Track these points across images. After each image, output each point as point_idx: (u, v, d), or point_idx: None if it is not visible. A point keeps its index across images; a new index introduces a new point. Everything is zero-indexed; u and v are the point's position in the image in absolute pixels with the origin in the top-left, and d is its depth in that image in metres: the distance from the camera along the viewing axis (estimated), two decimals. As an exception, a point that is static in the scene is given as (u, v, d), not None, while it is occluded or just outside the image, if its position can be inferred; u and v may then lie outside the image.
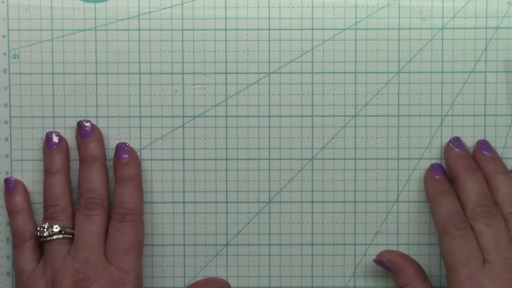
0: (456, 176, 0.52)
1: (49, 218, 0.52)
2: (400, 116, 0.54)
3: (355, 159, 0.54)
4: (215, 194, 0.54)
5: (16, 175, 0.54)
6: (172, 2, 0.54)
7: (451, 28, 0.54)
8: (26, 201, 0.54)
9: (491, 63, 0.54)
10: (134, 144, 0.54)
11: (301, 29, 0.54)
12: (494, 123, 0.54)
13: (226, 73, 0.54)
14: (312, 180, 0.54)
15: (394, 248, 0.55)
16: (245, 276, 0.55)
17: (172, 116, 0.54)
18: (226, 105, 0.54)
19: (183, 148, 0.54)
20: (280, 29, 0.54)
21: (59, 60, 0.54)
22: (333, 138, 0.54)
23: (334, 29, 0.54)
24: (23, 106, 0.54)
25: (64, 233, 0.52)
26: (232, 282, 0.55)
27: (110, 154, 0.54)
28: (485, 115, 0.54)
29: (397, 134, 0.54)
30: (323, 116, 0.54)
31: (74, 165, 0.54)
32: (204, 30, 0.54)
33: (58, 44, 0.54)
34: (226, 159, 0.54)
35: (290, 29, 0.54)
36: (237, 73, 0.54)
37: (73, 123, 0.54)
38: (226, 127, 0.54)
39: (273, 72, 0.54)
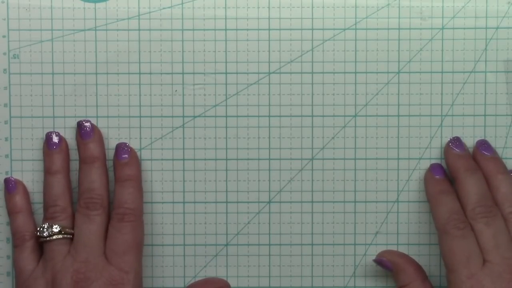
0: (456, 176, 0.52)
1: (49, 218, 0.52)
2: (400, 116, 0.54)
3: (355, 159, 0.54)
4: (215, 194, 0.54)
5: (16, 175, 0.54)
6: (172, 2, 0.54)
7: (451, 28, 0.54)
8: (26, 201, 0.54)
9: (491, 63, 0.54)
10: (134, 144, 0.54)
11: (301, 29, 0.54)
12: (494, 123, 0.54)
13: (226, 73, 0.54)
14: (312, 180, 0.54)
15: (394, 248, 0.55)
16: (245, 276, 0.55)
17: (172, 116, 0.54)
18: (226, 105, 0.54)
19: (183, 148, 0.54)
20: (280, 29, 0.54)
21: (59, 60, 0.54)
22: (333, 138, 0.54)
23: (334, 29, 0.54)
24: (23, 106, 0.54)
25: (64, 233, 0.52)
26: (232, 282, 0.55)
27: (110, 154, 0.54)
28: (485, 115, 0.54)
29: (397, 134, 0.54)
30: (323, 116, 0.54)
31: (74, 165, 0.54)
32: (204, 30, 0.54)
33: (58, 44, 0.54)
34: (226, 159, 0.54)
35: (290, 29, 0.54)
36: (237, 73, 0.54)
37: (73, 123, 0.54)
38: (226, 127, 0.54)
39: (273, 72, 0.54)
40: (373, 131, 0.54)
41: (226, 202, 0.55)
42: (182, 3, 0.54)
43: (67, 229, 0.52)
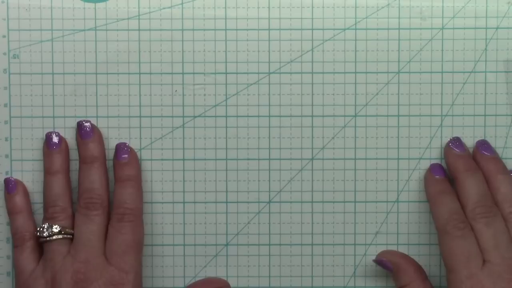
0: (456, 176, 0.52)
1: (49, 218, 0.52)
2: (400, 116, 0.54)
3: (355, 159, 0.54)
4: (215, 194, 0.54)
5: (16, 175, 0.54)
6: (172, 2, 0.54)
7: (451, 28, 0.54)
8: (26, 201, 0.54)
9: (491, 63, 0.54)
10: (134, 144, 0.54)
11: (301, 29, 0.54)
12: (494, 123, 0.54)
13: (226, 73, 0.54)
14: (312, 180, 0.54)
15: (394, 248, 0.55)
16: (245, 276, 0.55)
17: (172, 116, 0.54)
18: (226, 105, 0.54)
19: (183, 148, 0.54)
20: (280, 29, 0.54)
21: (59, 60, 0.54)
22: (333, 138, 0.54)
23: (334, 29, 0.54)
24: (23, 106, 0.54)
25: (64, 233, 0.52)
26: (232, 282, 0.55)
27: (110, 154, 0.54)
28: (485, 115, 0.54)
29: (397, 134, 0.54)
30: (323, 116, 0.54)
31: (74, 165, 0.54)
32: (204, 30, 0.54)
33: (58, 44, 0.54)
34: (226, 159, 0.54)
35: (290, 29, 0.54)
36: (237, 73, 0.54)
37: (73, 123, 0.54)
38: (226, 127, 0.54)
39: (273, 72, 0.54)
40: (373, 131, 0.54)
41: (226, 202, 0.55)
42: (182, 3, 0.54)
43: (67, 229, 0.52)
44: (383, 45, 0.54)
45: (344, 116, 0.54)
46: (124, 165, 0.53)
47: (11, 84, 0.54)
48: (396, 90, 0.54)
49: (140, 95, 0.54)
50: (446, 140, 0.54)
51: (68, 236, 0.52)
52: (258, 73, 0.54)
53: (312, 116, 0.54)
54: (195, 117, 0.54)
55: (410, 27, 0.54)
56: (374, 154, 0.54)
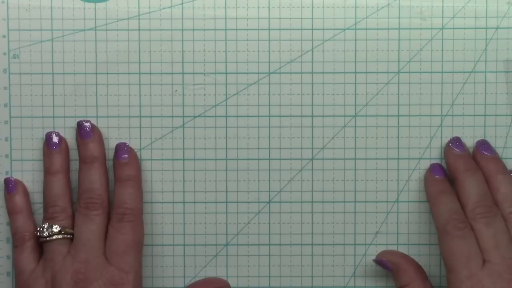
0: (456, 176, 0.52)
1: (49, 218, 0.52)
2: (400, 116, 0.54)
3: (355, 159, 0.54)
4: (215, 194, 0.54)
5: (16, 175, 0.54)
6: (172, 2, 0.54)
7: (451, 28, 0.54)
8: (26, 201, 0.54)
9: (491, 63, 0.54)
10: (134, 144, 0.54)
11: (301, 29, 0.54)
12: (494, 123, 0.54)
13: (226, 73, 0.54)
14: (312, 180, 0.54)
15: (394, 248, 0.55)
16: (245, 276, 0.55)
17: (172, 116, 0.54)
18: (226, 105, 0.54)
19: (183, 148, 0.54)
20: (280, 29, 0.54)
21: (59, 60, 0.54)
22: (333, 138, 0.54)
23: (334, 29, 0.54)
24: (23, 106, 0.54)
25: (64, 233, 0.52)
26: (232, 282, 0.55)
27: (110, 154, 0.54)
28: (485, 115, 0.54)
29: (397, 134, 0.54)
30: (323, 116, 0.54)
31: (74, 165, 0.54)
32: (204, 30, 0.54)
33: (58, 44, 0.54)
34: (226, 159, 0.54)
35: (290, 29, 0.54)
36: (237, 73, 0.54)
37: (73, 123, 0.54)
38: (226, 127, 0.54)
39: (273, 72, 0.54)
40: (373, 131, 0.54)
41: (226, 202, 0.55)
42: (182, 3, 0.54)
43: (67, 229, 0.52)
44: (383, 45, 0.54)
45: (344, 116, 0.54)
46: (124, 165, 0.53)
47: (11, 84, 0.54)
48: (396, 90, 0.54)
49: (140, 95, 0.54)
50: (446, 140, 0.54)
51: (68, 236, 0.52)
52: (258, 73, 0.54)
53: (312, 116, 0.54)
54: (195, 117, 0.54)
55: (410, 27, 0.54)
56: (374, 154, 0.54)
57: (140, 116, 0.54)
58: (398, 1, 0.54)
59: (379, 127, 0.54)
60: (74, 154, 0.54)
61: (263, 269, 0.55)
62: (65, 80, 0.54)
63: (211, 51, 0.54)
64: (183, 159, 0.54)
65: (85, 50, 0.54)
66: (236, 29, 0.54)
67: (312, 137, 0.54)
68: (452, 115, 0.54)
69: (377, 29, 0.54)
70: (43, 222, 0.52)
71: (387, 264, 0.53)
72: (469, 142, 0.54)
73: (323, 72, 0.54)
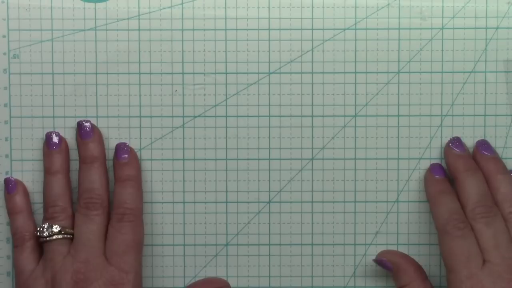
0: (456, 176, 0.52)
1: (49, 218, 0.52)
2: (400, 116, 0.54)
3: (355, 159, 0.54)
4: (215, 194, 0.54)
5: (16, 175, 0.54)
6: (172, 2, 0.54)
7: (451, 28, 0.54)
8: (26, 201, 0.54)
9: (491, 63, 0.54)
10: (134, 144, 0.54)
11: (301, 29, 0.54)
12: (494, 123, 0.54)
13: (226, 73, 0.54)
14: (312, 180, 0.54)
15: (394, 248, 0.55)
16: (245, 276, 0.55)
17: (172, 116, 0.54)
18: (226, 105, 0.54)
19: (183, 148, 0.54)
20: (280, 29, 0.54)
21: (59, 60, 0.54)
22: (333, 138, 0.54)
23: (334, 29, 0.54)
24: (23, 106, 0.54)
25: (64, 233, 0.52)
26: (232, 282, 0.55)
27: (110, 154, 0.54)
28: (485, 115, 0.54)
29: (397, 134, 0.54)
30: (323, 116, 0.54)
31: (74, 165, 0.54)
32: (204, 30, 0.54)
33: (58, 44, 0.54)
34: (226, 159, 0.54)
35: (290, 29, 0.54)
36: (237, 73, 0.54)
37: (73, 123, 0.54)
38: (226, 127, 0.54)
39: (273, 72, 0.54)
40: (373, 131, 0.54)
41: (226, 202, 0.55)
42: (182, 3, 0.54)
43: (67, 229, 0.52)
44: (383, 45, 0.54)
45: (344, 116, 0.54)
46: (124, 165, 0.53)
47: (11, 84, 0.54)
48: (396, 90, 0.54)
49: (140, 95, 0.54)
50: (446, 140, 0.54)
51: (68, 236, 0.52)
52: (258, 73, 0.54)
53: (312, 116, 0.54)
54: (195, 117, 0.54)
55: (410, 27, 0.54)
56: (374, 154, 0.54)
57: (140, 116, 0.54)
58: (398, 1, 0.54)
59: (379, 127, 0.54)
60: (74, 154, 0.54)
61: (263, 269, 0.55)
62: (65, 80, 0.54)
63: (211, 51, 0.54)
64: (183, 159, 0.54)
65: (85, 50, 0.54)
66: (236, 29, 0.54)
67: (312, 137, 0.54)
68: (452, 115, 0.54)
69: (377, 29, 0.54)
70: (43, 222, 0.52)
71: (387, 264, 0.53)
72: (469, 142, 0.54)
73: (323, 72, 0.54)
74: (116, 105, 0.54)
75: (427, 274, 0.53)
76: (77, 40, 0.54)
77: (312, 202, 0.54)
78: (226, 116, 0.54)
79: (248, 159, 0.54)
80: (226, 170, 0.54)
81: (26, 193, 0.54)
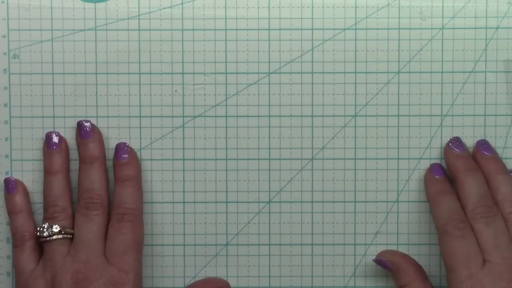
0: (456, 176, 0.52)
1: (49, 218, 0.52)
2: (400, 116, 0.54)
3: (355, 159, 0.54)
4: (215, 194, 0.54)
5: (16, 175, 0.54)
6: (172, 2, 0.54)
7: (451, 28, 0.54)
8: (26, 201, 0.54)
9: (491, 63, 0.54)
10: (134, 144, 0.54)
11: (301, 29, 0.54)
12: (494, 123, 0.54)
13: (226, 73, 0.54)
14: (312, 180, 0.54)
15: (394, 248, 0.55)
16: (245, 276, 0.55)
17: (172, 116, 0.54)
18: (226, 105, 0.54)
19: (183, 148, 0.54)
20: (280, 29, 0.54)
21: (59, 60, 0.54)
22: (333, 138, 0.54)
23: (334, 29, 0.54)
24: (23, 106, 0.54)
25: (64, 233, 0.52)
26: (232, 282, 0.55)
27: (110, 154, 0.54)
28: (485, 115, 0.54)
29: (397, 134, 0.54)
30: (323, 116, 0.54)
31: (74, 165, 0.54)
32: (204, 30, 0.54)
33: (58, 44, 0.54)
34: (226, 159, 0.54)
35: (290, 29, 0.54)
36: (237, 73, 0.54)
37: (73, 123, 0.54)
38: (226, 127, 0.54)
39: (273, 72, 0.54)
40: (373, 131, 0.54)
41: (226, 202, 0.55)
42: (182, 3, 0.54)
43: (67, 229, 0.52)
44: (383, 45, 0.54)
45: (344, 116, 0.54)
46: (124, 165, 0.53)
47: (11, 84, 0.54)
48: (396, 90, 0.54)
49: (140, 95, 0.54)
50: (446, 140, 0.54)
51: (68, 236, 0.52)
52: (258, 73, 0.54)
53: (312, 116, 0.54)
54: (195, 117, 0.54)
55: (410, 27, 0.54)
56: (374, 154, 0.54)
57: (140, 116, 0.54)
58: (398, 1, 0.54)
59: (379, 127, 0.54)
60: (74, 154, 0.54)
61: (263, 269, 0.55)
62: (65, 80, 0.54)
63: (211, 51, 0.54)
64: (183, 159, 0.54)
65: (85, 50, 0.54)
66: (236, 29, 0.54)
67: (312, 137, 0.54)
68: (452, 115, 0.54)
69: (377, 29, 0.54)
70: (43, 222, 0.52)
71: (387, 264, 0.53)
72: (469, 142, 0.54)
73: (323, 72, 0.54)
74: (116, 105, 0.54)
75: (427, 274, 0.53)
76: (77, 40, 0.54)
77: (312, 202, 0.54)
78: (226, 116, 0.54)
79: (248, 159, 0.54)
80: (226, 170, 0.54)
81: (26, 193, 0.54)
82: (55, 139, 0.54)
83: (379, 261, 0.54)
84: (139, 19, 0.54)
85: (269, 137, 0.54)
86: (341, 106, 0.54)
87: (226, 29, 0.54)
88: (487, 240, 0.50)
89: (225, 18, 0.54)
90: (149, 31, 0.54)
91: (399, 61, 0.54)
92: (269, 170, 0.54)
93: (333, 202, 0.54)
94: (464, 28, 0.54)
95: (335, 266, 0.55)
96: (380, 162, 0.54)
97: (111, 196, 0.53)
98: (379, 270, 0.55)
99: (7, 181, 0.54)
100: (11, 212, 0.53)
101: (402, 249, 0.55)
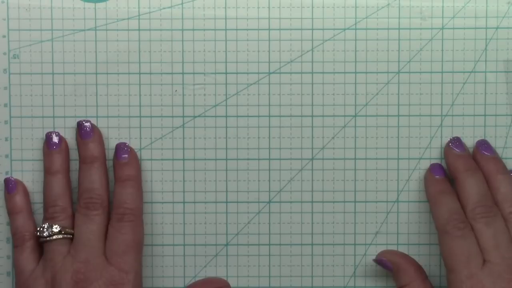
0: (456, 176, 0.52)
1: (49, 218, 0.52)
2: (400, 116, 0.54)
3: (355, 159, 0.54)
4: (215, 194, 0.54)
5: (16, 175, 0.54)
6: (172, 2, 0.54)
7: (451, 28, 0.54)
8: (26, 201, 0.54)
9: (491, 63, 0.54)
10: (134, 144, 0.54)
11: (301, 29, 0.54)
12: (494, 123, 0.54)
13: (226, 73, 0.54)
14: (312, 180, 0.54)
15: (394, 248, 0.55)
16: (245, 276, 0.55)
17: (172, 116, 0.54)
18: (226, 105, 0.54)
19: (183, 148, 0.54)
20: (280, 29, 0.54)
21: (59, 60, 0.54)
22: (333, 138, 0.54)
23: (334, 29, 0.54)
24: (23, 106, 0.54)
25: (64, 233, 0.52)
26: (232, 282, 0.55)
27: (110, 154, 0.54)
28: (485, 115, 0.54)
29: (397, 134, 0.54)
30: (323, 116, 0.54)
31: (74, 165, 0.54)
32: (204, 30, 0.54)
33: (58, 44, 0.54)
34: (226, 159, 0.54)
35: (290, 29, 0.54)
36: (237, 73, 0.54)
37: (73, 123, 0.54)
38: (226, 127, 0.54)
39: (273, 72, 0.54)
40: (373, 131, 0.54)
41: (226, 202, 0.55)
42: (182, 3, 0.54)
43: (67, 229, 0.52)
44: (383, 45, 0.54)
45: (344, 116, 0.54)
46: (124, 165, 0.53)
47: (11, 84, 0.54)
48: (396, 90, 0.54)
49: (140, 95, 0.54)
50: (446, 140, 0.54)
51: (68, 236, 0.52)
52: (258, 73, 0.54)
53: (312, 116, 0.54)
54: (195, 117, 0.54)
55: (410, 27, 0.54)
56: (374, 154, 0.54)
57: (140, 116, 0.54)
58: (398, 1, 0.54)
59: (379, 127, 0.54)
60: (74, 154, 0.54)
61: (263, 269, 0.55)
62: (65, 80, 0.54)
63: (211, 51, 0.54)
64: (183, 159, 0.54)
65: (85, 50, 0.54)
66: (236, 29, 0.54)
67: (312, 137, 0.54)
68: (452, 115, 0.54)
69: (377, 29, 0.54)
70: (43, 222, 0.52)
71: (387, 264, 0.53)
72: (469, 142, 0.54)
73: (323, 72, 0.54)
74: (116, 105, 0.54)
75: (427, 274, 0.53)
76: (77, 40, 0.54)
77: (312, 202, 0.54)
78: (226, 116, 0.54)
79: (248, 159, 0.54)
80: (226, 170, 0.54)
81: (26, 193, 0.54)
82: (55, 139, 0.54)
83: (379, 261, 0.54)
84: (139, 19, 0.54)
85: (269, 137, 0.54)
86: (341, 106, 0.54)
87: (226, 29, 0.54)
88: (487, 240, 0.50)
89: (225, 18, 0.54)
90: (149, 31, 0.54)
91: (399, 61, 0.54)
92: (269, 170, 0.54)
93: (333, 202, 0.54)
94: (464, 28, 0.54)
95: (335, 266, 0.55)
96: (380, 162, 0.54)
97: (111, 196, 0.53)
98: (379, 270, 0.55)
99: (7, 181, 0.54)
100: (11, 212, 0.53)
101: (402, 249, 0.55)
